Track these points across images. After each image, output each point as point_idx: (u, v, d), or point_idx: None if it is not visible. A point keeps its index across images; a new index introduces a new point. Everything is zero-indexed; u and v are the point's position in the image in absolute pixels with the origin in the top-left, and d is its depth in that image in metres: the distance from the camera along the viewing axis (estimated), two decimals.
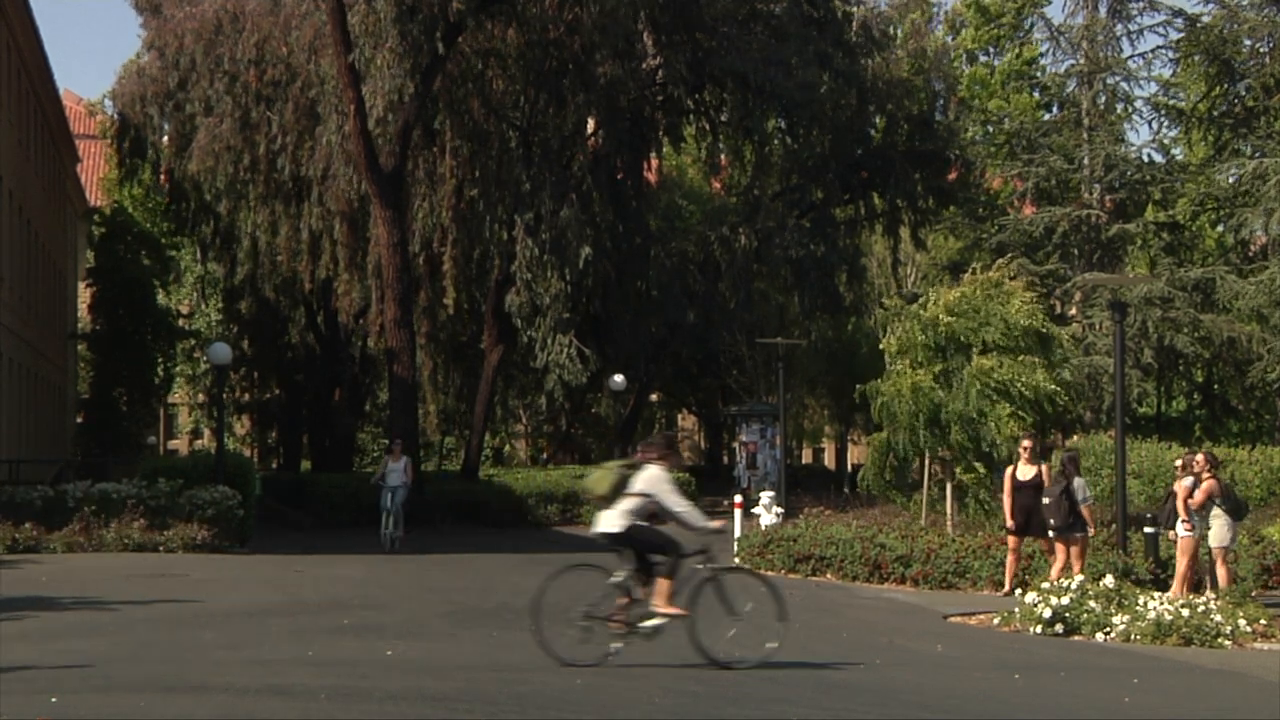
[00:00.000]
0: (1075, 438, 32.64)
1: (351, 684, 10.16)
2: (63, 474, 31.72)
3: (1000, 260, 24.93)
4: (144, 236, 47.11)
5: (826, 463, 64.54)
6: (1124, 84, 39.57)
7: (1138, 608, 14.98)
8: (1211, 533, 17.01)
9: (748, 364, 42.82)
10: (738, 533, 24.54)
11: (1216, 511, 16.96)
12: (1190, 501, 16.91)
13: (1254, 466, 28.87)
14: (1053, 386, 21.77)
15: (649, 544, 11.57)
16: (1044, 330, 22.55)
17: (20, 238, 36.02)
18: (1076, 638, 14.90)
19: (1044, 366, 22.00)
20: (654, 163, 45.62)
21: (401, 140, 33.70)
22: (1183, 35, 39.24)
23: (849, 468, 53.11)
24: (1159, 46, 47.25)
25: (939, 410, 21.65)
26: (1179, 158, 43.50)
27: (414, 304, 36.30)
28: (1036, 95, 44.39)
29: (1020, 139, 40.36)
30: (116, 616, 14.59)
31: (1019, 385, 21.32)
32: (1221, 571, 17.01)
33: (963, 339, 22.01)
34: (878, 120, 43.93)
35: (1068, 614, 15.06)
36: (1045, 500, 17.76)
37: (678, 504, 11.65)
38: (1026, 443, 18.89)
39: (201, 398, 54.37)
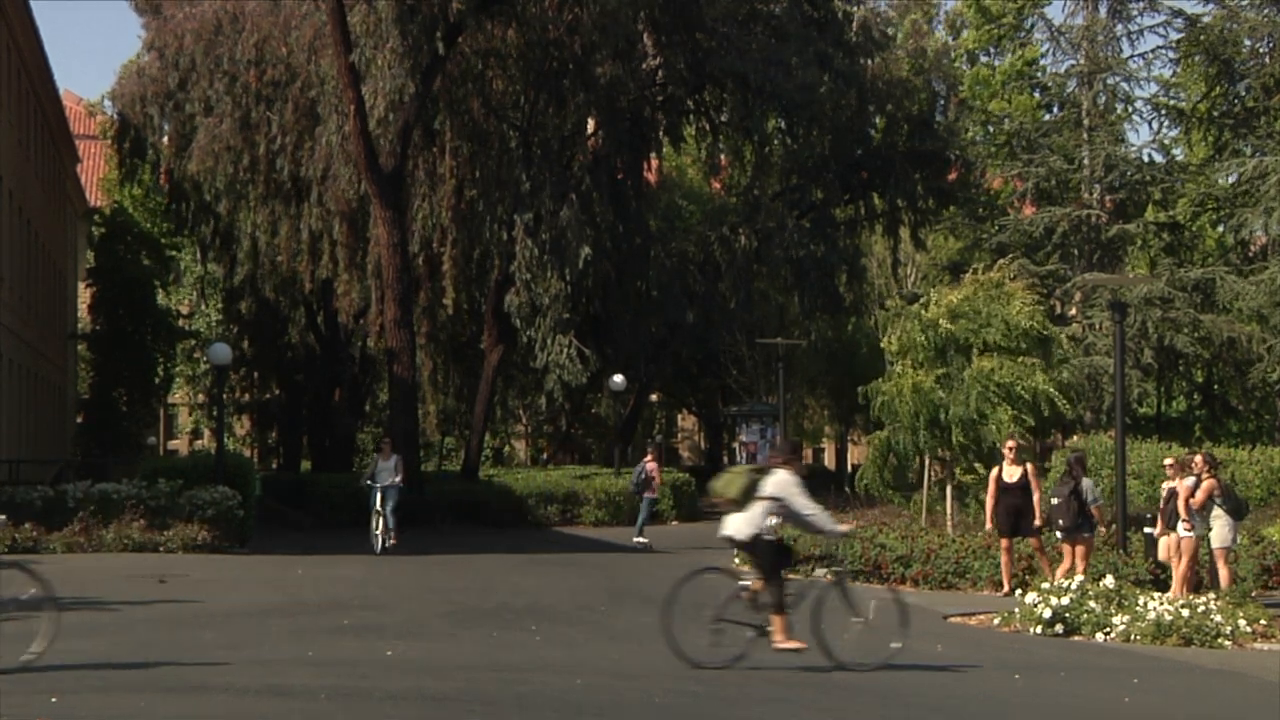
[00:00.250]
0: (1075, 438, 32.64)
1: (351, 684, 10.17)
2: (63, 474, 31.69)
3: (1002, 261, 24.96)
4: (144, 236, 47.10)
5: (826, 463, 64.53)
6: (1124, 84, 39.60)
7: (1138, 608, 14.98)
8: (1213, 533, 17.01)
9: (748, 364, 42.83)
10: None
11: (1218, 512, 16.96)
12: (1191, 501, 16.91)
13: (1254, 467, 28.85)
14: (1052, 390, 21.78)
15: (765, 563, 11.77)
16: (1044, 332, 22.57)
17: (20, 238, 36.02)
18: (1076, 638, 14.90)
19: (1043, 369, 22.02)
20: (654, 163, 45.61)
21: (401, 140, 33.68)
22: (1183, 35, 39.27)
23: (849, 468, 53.11)
24: (1159, 46, 47.32)
25: (939, 411, 21.65)
26: (1179, 158, 43.50)
27: (414, 304, 36.27)
28: (1037, 95, 44.37)
29: (1020, 139, 40.36)
30: (116, 617, 14.59)
31: (1019, 388, 21.33)
32: (1223, 572, 17.00)
33: (963, 340, 22.03)
34: (878, 120, 43.94)
35: (1068, 614, 15.06)
36: (1054, 500, 17.77)
37: (807, 508, 11.85)
38: (1011, 444, 18.90)
39: (201, 398, 54.39)
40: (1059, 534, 17.81)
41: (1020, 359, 21.85)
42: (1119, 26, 39.10)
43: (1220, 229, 43.39)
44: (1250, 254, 40.25)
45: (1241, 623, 14.78)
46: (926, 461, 22.87)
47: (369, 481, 25.21)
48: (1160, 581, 17.71)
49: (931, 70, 44.70)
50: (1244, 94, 39.24)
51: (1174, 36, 39.45)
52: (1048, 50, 42.84)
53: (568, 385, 37.57)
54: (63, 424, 46.41)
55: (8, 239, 33.57)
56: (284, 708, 9.27)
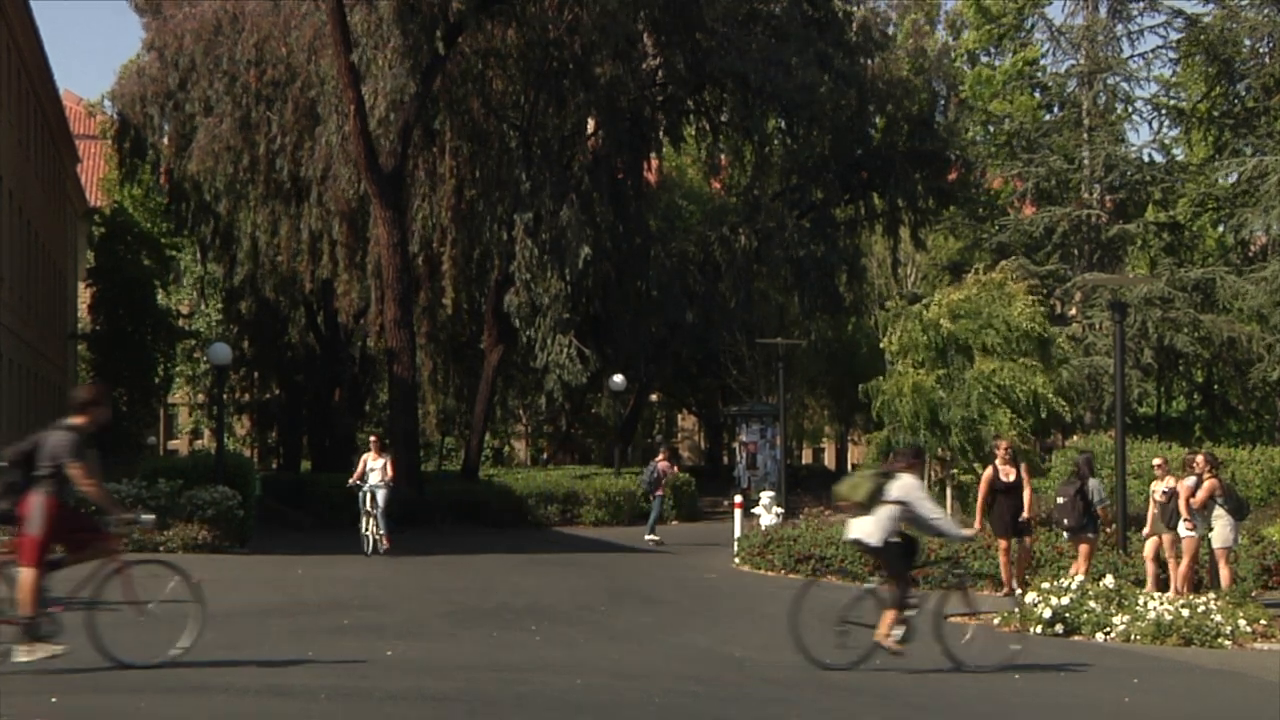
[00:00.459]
0: (1075, 438, 32.64)
1: (351, 684, 10.17)
2: None
3: (1005, 262, 24.96)
4: (144, 236, 47.09)
5: (827, 463, 64.52)
6: (1124, 84, 39.62)
7: (1138, 608, 14.98)
8: (1215, 533, 17.01)
9: (748, 364, 42.80)
10: (738, 533, 24.56)
11: (1219, 512, 16.95)
12: (1193, 501, 16.90)
13: (1254, 466, 28.89)
14: (1050, 395, 21.77)
15: (894, 565, 11.91)
16: (1044, 334, 22.57)
17: (20, 238, 36.01)
18: (1076, 638, 14.90)
19: (1042, 371, 22.01)
20: (654, 163, 45.61)
21: (401, 140, 33.68)
22: (1183, 35, 39.28)
23: (849, 468, 53.10)
24: (1159, 46, 47.26)
25: (939, 411, 21.65)
26: (1179, 158, 43.50)
27: (414, 304, 36.27)
28: (1037, 95, 44.38)
29: (1020, 139, 40.38)
30: (116, 617, 14.56)
31: (1019, 390, 21.31)
32: (1224, 572, 16.99)
33: (964, 340, 22.02)
34: (878, 120, 43.95)
35: (1068, 614, 15.06)
36: (1059, 500, 17.76)
37: (932, 512, 12.06)
38: (1004, 444, 18.87)
39: (201, 398, 54.35)
40: (1065, 534, 17.78)
41: (1021, 360, 21.84)
42: (1119, 26, 39.13)
43: (1220, 229, 43.39)
44: (1250, 254, 40.26)
45: (1241, 623, 14.78)
46: (926, 461, 22.85)
47: (357, 481, 24.81)
48: (1143, 582, 17.56)
49: (932, 70, 44.70)
50: (1244, 94, 39.26)
51: (1174, 36, 39.54)
52: (1048, 50, 42.91)
53: (568, 385, 37.58)
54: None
55: (8, 239, 33.56)
56: (284, 708, 9.27)
